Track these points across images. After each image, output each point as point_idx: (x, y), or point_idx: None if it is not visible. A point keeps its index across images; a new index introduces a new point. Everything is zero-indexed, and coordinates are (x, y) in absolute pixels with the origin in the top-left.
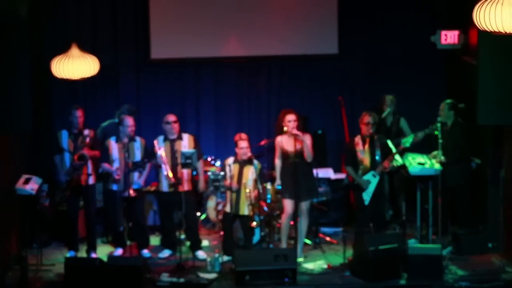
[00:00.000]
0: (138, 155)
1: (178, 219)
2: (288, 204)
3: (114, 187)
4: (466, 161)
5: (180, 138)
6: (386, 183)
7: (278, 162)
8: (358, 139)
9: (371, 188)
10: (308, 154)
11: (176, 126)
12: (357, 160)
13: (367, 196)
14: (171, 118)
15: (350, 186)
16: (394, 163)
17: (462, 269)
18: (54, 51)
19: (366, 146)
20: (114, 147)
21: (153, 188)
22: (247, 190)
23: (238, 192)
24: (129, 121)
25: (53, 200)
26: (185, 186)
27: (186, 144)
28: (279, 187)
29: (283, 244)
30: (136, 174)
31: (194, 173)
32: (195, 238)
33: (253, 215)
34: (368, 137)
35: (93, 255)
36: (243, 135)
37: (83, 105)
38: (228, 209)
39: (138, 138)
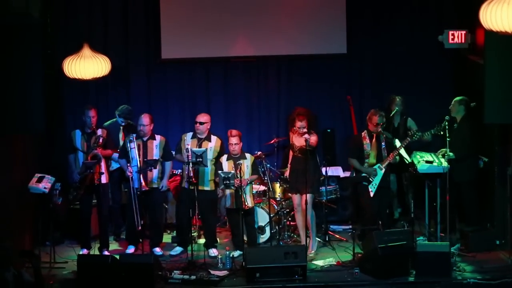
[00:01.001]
0: (156, 153)
1: (193, 216)
2: (294, 198)
3: (131, 184)
4: (473, 158)
5: (208, 139)
6: (394, 182)
7: (291, 152)
8: (365, 134)
9: (377, 180)
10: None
11: (202, 127)
12: (363, 154)
13: (373, 188)
14: (201, 118)
15: (355, 180)
16: (397, 157)
17: (470, 266)
18: (66, 52)
19: (373, 141)
20: (129, 145)
21: (171, 185)
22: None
23: (237, 187)
24: (144, 120)
25: (66, 198)
26: (205, 185)
27: (213, 145)
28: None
29: (302, 239)
30: (155, 172)
31: None
32: (212, 236)
33: (252, 206)
34: (375, 133)
35: (105, 253)
36: (234, 132)
37: (95, 106)
38: (230, 205)
39: (158, 137)
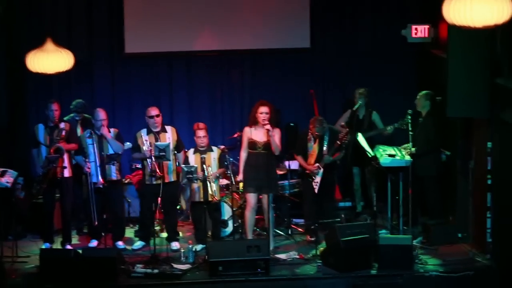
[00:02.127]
0: (112, 147)
1: (155, 211)
2: (251, 197)
3: (90, 179)
4: (436, 153)
5: (164, 130)
6: (357, 175)
7: (243, 154)
8: (310, 135)
9: (318, 179)
10: (276, 148)
11: (158, 120)
12: (306, 153)
13: (315, 185)
14: (154, 111)
15: (301, 174)
16: (330, 157)
17: (433, 259)
18: (29, 46)
19: (315, 144)
20: (87, 140)
21: (127, 180)
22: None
23: (203, 180)
24: (101, 114)
25: (29, 192)
26: (168, 178)
27: (170, 136)
28: (241, 181)
29: (249, 237)
30: (113, 167)
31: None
32: (173, 230)
33: (219, 200)
34: (315, 137)
35: (68, 247)
36: (201, 125)
37: (58, 99)
38: (196, 198)
39: (112, 130)
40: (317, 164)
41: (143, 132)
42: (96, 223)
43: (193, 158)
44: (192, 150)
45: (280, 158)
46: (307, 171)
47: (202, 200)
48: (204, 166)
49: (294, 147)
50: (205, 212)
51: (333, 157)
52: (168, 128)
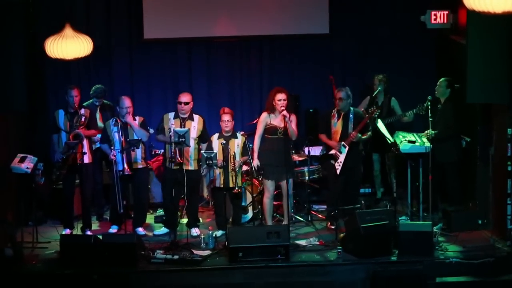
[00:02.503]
0: (139, 134)
1: (179, 197)
2: (270, 185)
3: (116, 167)
4: (456, 139)
5: (191, 118)
6: (377, 162)
7: (257, 140)
8: (334, 112)
9: (341, 158)
10: (292, 133)
11: (186, 107)
12: (330, 131)
13: (338, 166)
14: (183, 98)
15: (322, 158)
16: (359, 135)
17: (453, 246)
18: (48, 31)
19: (340, 120)
20: (112, 128)
21: (154, 165)
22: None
23: (223, 167)
24: (126, 102)
25: (49, 178)
26: (189, 165)
27: (196, 125)
28: (258, 168)
29: (268, 223)
30: (138, 154)
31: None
32: (194, 217)
33: (240, 185)
34: (342, 111)
35: (88, 233)
36: (227, 109)
37: (77, 85)
38: (217, 184)
39: (137, 118)
40: (342, 143)
41: (171, 115)
42: (122, 210)
43: (216, 143)
44: (216, 135)
45: (299, 144)
46: (331, 152)
47: (222, 186)
48: (229, 152)
49: (313, 132)
50: (226, 199)
51: (364, 136)
52: (196, 116)
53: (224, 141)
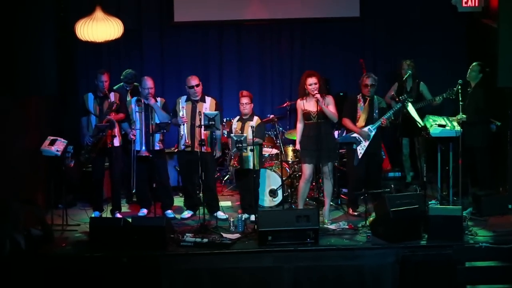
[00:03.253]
0: (160, 115)
1: (197, 180)
2: (307, 168)
3: (132, 147)
4: (486, 123)
5: (203, 100)
6: (406, 146)
7: (300, 125)
8: (360, 97)
9: (366, 143)
10: (331, 116)
11: (198, 89)
12: (355, 115)
13: (361, 149)
14: (194, 81)
15: (343, 141)
16: (388, 123)
17: (483, 230)
18: (78, 14)
19: (366, 104)
20: (134, 108)
21: (174, 149)
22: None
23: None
24: (149, 83)
25: (78, 161)
26: (205, 148)
27: (208, 106)
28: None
29: (300, 207)
30: (157, 137)
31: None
32: (212, 199)
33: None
34: (368, 97)
35: (118, 215)
36: (245, 92)
37: (107, 69)
38: (239, 166)
39: (158, 99)
40: (367, 127)
41: (182, 98)
42: (134, 190)
43: (236, 125)
44: (237, 117)
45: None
46: (354, 135)
47: (238, 167)
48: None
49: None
50: (246, 181)
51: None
52: (208, 98)
53: (245, 123)
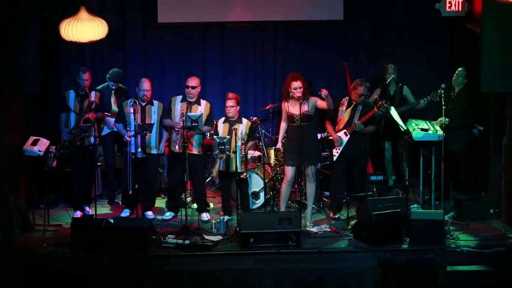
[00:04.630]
0: (154, 119)
1: (184, 181)
2: (289, 171)
3: (128, 149)
4: (469, 127)
5: (198, 103)
6: (389, 149)
7: (283, 124)
8: (344, 101)
9: (342, 145)
10: (330, 104)
11: (193, 92)
12: (336, 119)
13: (336, 153)
14: (191, 82)
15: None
16: (361, 126)
17: (464, 235)
18: (62, 14)
19: (349, 109)
20: (129, 109)
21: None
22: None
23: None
24: (145, 85)
25: (56, 157)
26: (194, 149)
27: (202, 109)
28: (280, 149)
29: (282, 209)
30: (153, 138)
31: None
32: (202, 201)
33: (245, 170)
34: (356, 102)
35: (86, 209)
36: (230, 94)
37: (91, 68)
38: (220, 168)
39: (156, 102)
40: (343, 131)
41: (178, 98)
42: (130, 192)
43: (221, 127)
44: (222, 119)
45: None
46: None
47: (223, 170)
48: (236, 136)
49: (325, 119)
50: (229, 183)
51: (366, 129)
52: (203, 102)
53: (235, 126)
